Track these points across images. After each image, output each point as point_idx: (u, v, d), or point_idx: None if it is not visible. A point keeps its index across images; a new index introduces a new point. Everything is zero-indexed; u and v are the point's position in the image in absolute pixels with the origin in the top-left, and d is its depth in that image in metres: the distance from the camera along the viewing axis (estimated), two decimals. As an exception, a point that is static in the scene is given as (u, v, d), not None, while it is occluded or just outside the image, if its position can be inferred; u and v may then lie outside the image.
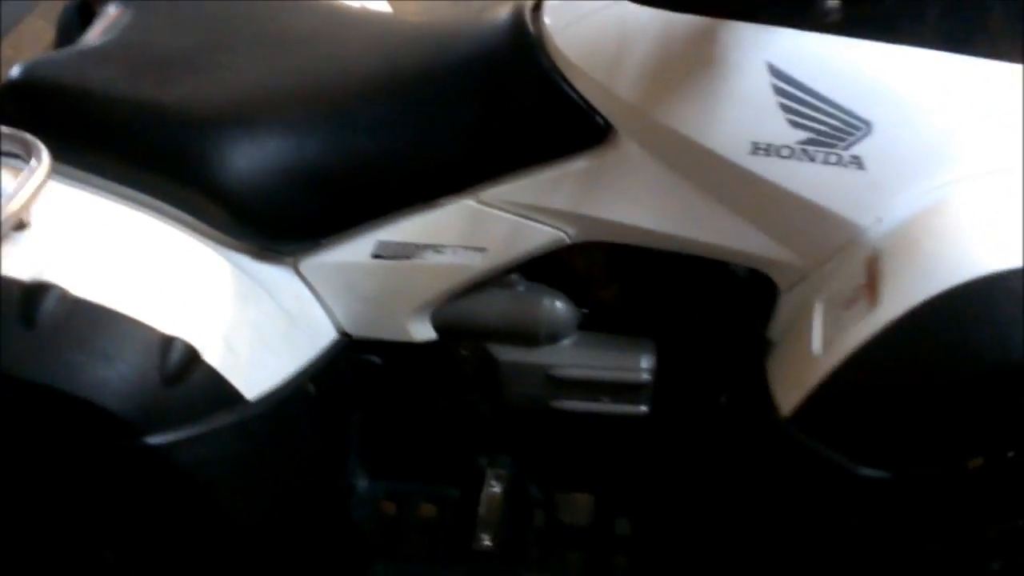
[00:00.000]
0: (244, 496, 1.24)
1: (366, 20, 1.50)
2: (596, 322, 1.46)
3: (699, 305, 1.42)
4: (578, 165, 1.29)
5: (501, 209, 1.33)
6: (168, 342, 1.14)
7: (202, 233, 1.30)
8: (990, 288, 1.01)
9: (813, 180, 1.19)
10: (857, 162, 1.17)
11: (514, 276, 1.42)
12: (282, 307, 1.33)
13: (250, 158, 1.27)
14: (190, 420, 1.15)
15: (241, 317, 1.25)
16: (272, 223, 1.32)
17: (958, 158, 1.17)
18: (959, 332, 1.03)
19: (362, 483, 1.58)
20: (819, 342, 1.16)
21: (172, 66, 1.34)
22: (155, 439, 1.12)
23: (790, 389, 1.18)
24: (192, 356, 1.15)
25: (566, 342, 1.45)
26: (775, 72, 1.16)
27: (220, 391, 1.18)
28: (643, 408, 1.44)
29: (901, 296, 1.07)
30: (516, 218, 1.33)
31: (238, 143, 1.27)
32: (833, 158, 1.17)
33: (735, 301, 1.39)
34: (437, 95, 1.32)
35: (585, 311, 1.45)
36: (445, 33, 1.39)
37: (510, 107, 1.30)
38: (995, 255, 1.03)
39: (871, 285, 1.12)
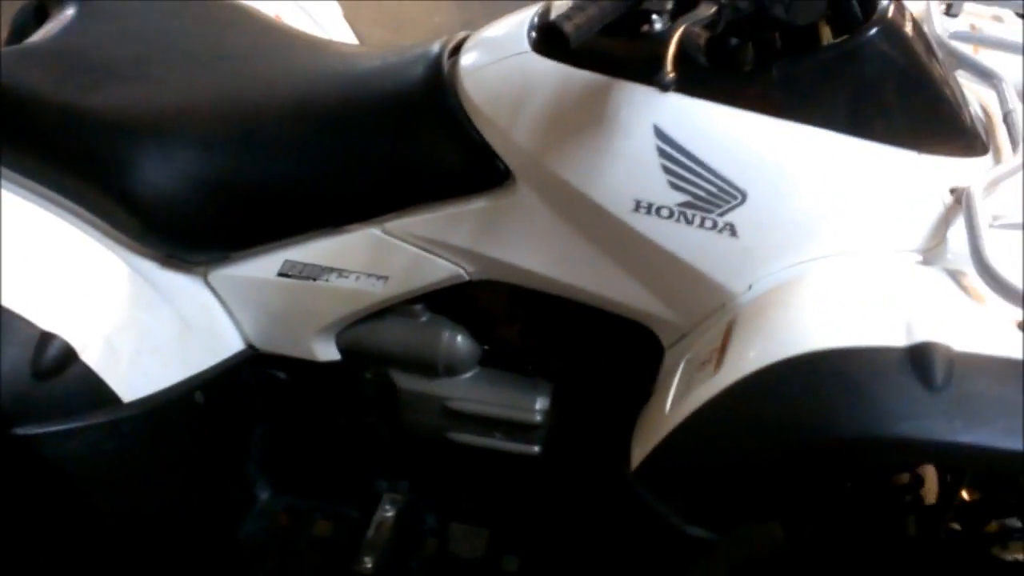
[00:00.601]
0: (112, 494, 1.29)
1: (300, 43, 1.56)
2: (497, 359, 1.50)
3: (594, 353, 1.46)
4: (478, 205, 1.34)
5: (404, 240, 1.38)
6: (46, 338, 1.19)
7: (111, 238, 1.36)
8: (815, 365, 1.03)
9: (689, 242, 1.23)
10: (731, 229, 1.21)
11: (418, 307, 1.46)
12: (181, 315, 1.38)
13: (163, 169, 1.33)
14: (61, 415, 1.20)
15: (130, 321, 1.30)
16: (181, 233, 1.37)
17: (827, 235, 1.20)
18: (779, 405, 1.05)
19: (263, 495, 1.62)
20: (671, 401, 1.19)
21: (101, 73, 1.40)
22: (23, 430, 1.18)
23: (642, 444, 1.21)
24: (69, 353, 1.21)
25: (465, 376, 1.49)
26: (660, 134, 1.20)
27: (95, 390, 1.23)
28: (535, 448, 1.48)
29: (738, 364, 1.10)
30: (418, 251, 1.38)
31: (152, 153, 1.33)
32: (709, 223, 1.21)
33: (626, 353, 1.42)
34: (350, 124, 1.37)
35: (486, 347, 1.49)
36: (369, 63, 1.44)
37: (418, 142, 1.35)
38: (828, 333, 1.06)
39: (721, 349, 1.15)
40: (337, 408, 1.54)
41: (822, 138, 1.19)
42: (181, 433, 1.36)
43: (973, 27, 1.56)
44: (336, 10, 1.89)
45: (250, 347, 1.48)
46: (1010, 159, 1.23)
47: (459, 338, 1.47)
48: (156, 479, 1.35)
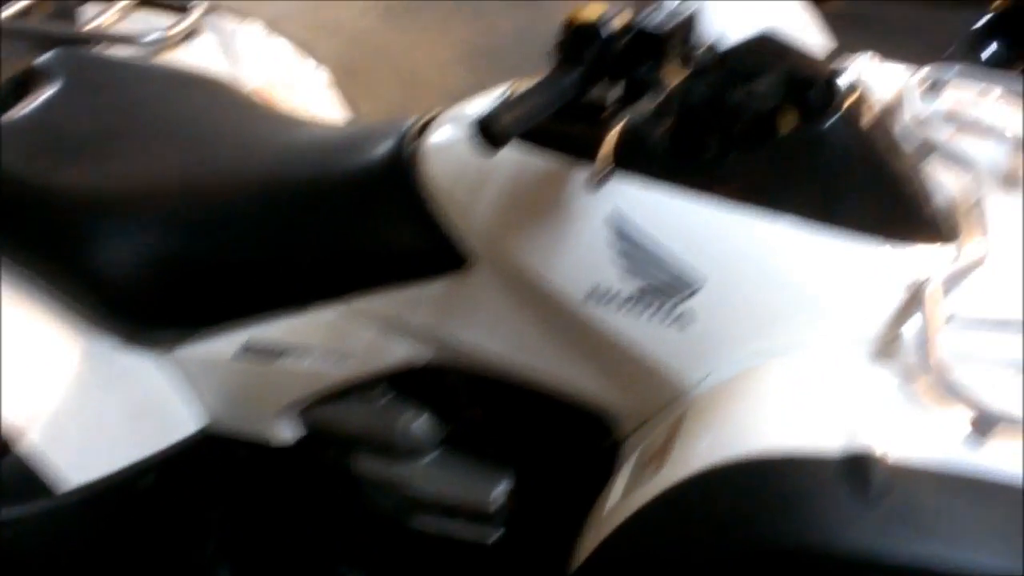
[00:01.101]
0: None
1: (273, 120, 1.56)
2: (459, 443, 1.47)
3: (554, 441, 1.42)
4: (437, 287, 1.32)
5: (367, 320, 1.36)
6: None
7: (72, 318, 1.35)
8: (753, 471, 0.99)
9: (643, 332, 1.20)
10: (685, 319, 1.18)
11: (380, 388, 1.44)
12: (136, 397, 1.37)
13: (124, 248, 1.33)
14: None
15: (80, 406, 1.29)
16: (141, 311, 1.37)
17: (783, 326, 1.17)
18: (716, 511, 1.01)
19: None
20: (618, 497, 1.15)
21: (72, 150, 1.41)
22: None
23: (586, 541, 1.17)
24: (9, 438, 1.19)
25: (426, 460, 1.46)
26: (615, 220, 1.18)
27: (35, 477, 1.21)
28: (493, 537, 1.44)
29: (679, 464, 1.06)
30: (379, 331, 1.36)
31: (113, 233, 1.33)
32: (663, 313, 1.18)
33: (585, 442, 1.38)
34: (313, 202, 1.36)
35: (448, 430, 1.46)
36: (335, 141, 1.44)
37: (379, 222, 1.34)
38: (769, 437, 1.02)
39: (666, 447, 1.11)
40: (296, 491, 1.52)
41: (781, 226, 1.17)
42: (129, 518, 1.34)
43: (955, 107, 1.53)
44: (323, 79, 1.89)
45: (209, 427, 1.46)
46: (975, 250, 1.19)
47: (420, 421, 1.44)
48: (103, 568, 1.32)
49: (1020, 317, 1.14)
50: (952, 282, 1.16)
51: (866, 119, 1.20)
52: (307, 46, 4.15)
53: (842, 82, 1.23)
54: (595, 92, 1.08)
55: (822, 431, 0.99)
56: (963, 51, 2.47)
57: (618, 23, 1.02)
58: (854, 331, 1.15)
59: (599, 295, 1.20)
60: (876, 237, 1.18)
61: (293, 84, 1.81)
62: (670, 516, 1.04)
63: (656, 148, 1.19)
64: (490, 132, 0.95)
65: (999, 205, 1.32)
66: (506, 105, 0.97)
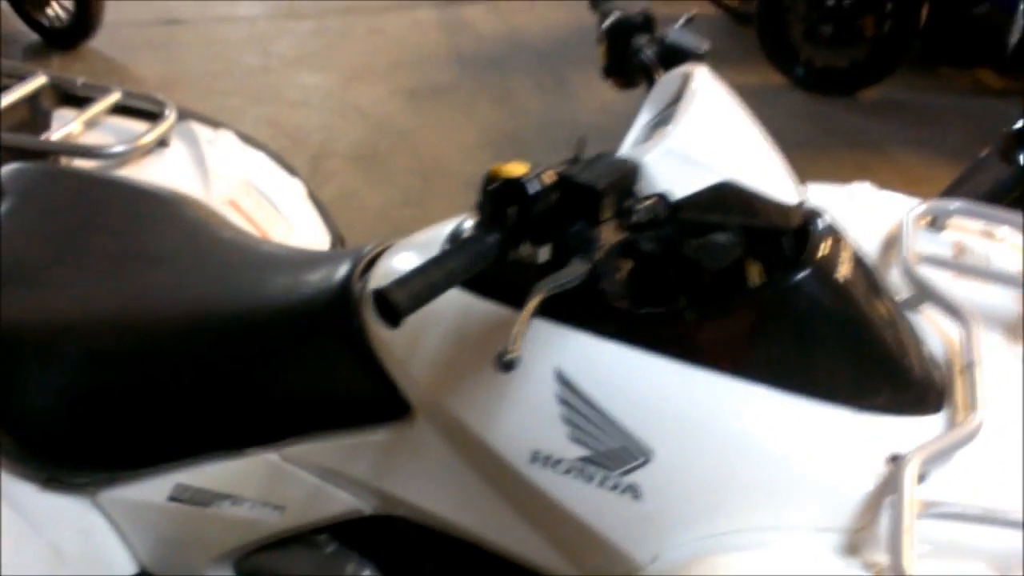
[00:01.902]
0: None
1: (224, 245, 1.47)
2: None
3: None
4: (377, 437, 1.22)
5: (302, 469, 1.26)
6: None
7: None
8: None
9: (589, 502, 1.08)
10: (633, 491, 1.06)
11: (322, 537, 1.34)
12: (56, 544, 1.28)
13: (43, 386, 1.25)
14: None
15: None
16: (62, 453, 1.28)
17: (743, 507, 1.05)
18: None
19: None
20: None
21: (6, 277, 1.34)
22: None
23: None
24: None
25: None
26: (562, 380, 1.08)
27: None
28: None
29: None
30: (317, 480, 1.26)
31: (32, 369, 1.25)
32: (610, 483, 1.07)
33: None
34: (249, 342, 1.27)
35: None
36: (280, 269, 1.36)
37: (319, 366, 1.25)
38: None
39: None
40: None
41: (741, 392, 1.05)
42: None
43: (958, 245, 1.41)
44: (299, 191, 1.82)
45: (144, 571, 1.36)
46: (964, 423, 1.07)
47: (364, 573, 1.33)
48: None
49: (1014, 505, 1.01)
50: (935, 461, 1.04)
51: (842, 270, 1.09)
52: (332, 128, 4.15)
53: (820, 228, 1.13)
54: (519, 253, 0.97)
55: None
56: (1000, 152, 2.36)
57: (546, 179, 0.92)
58: (821, 518, 1.03)
59: (543, 460, 1.09)
60: (850, 406, 1.06)
61: (266, 196, 1.74)
62: None
63: (604, 303, 1.09)
64: (387, 307, 0.86)
65: (997, 365, 1.20)
66: (411, 275, 0.88)
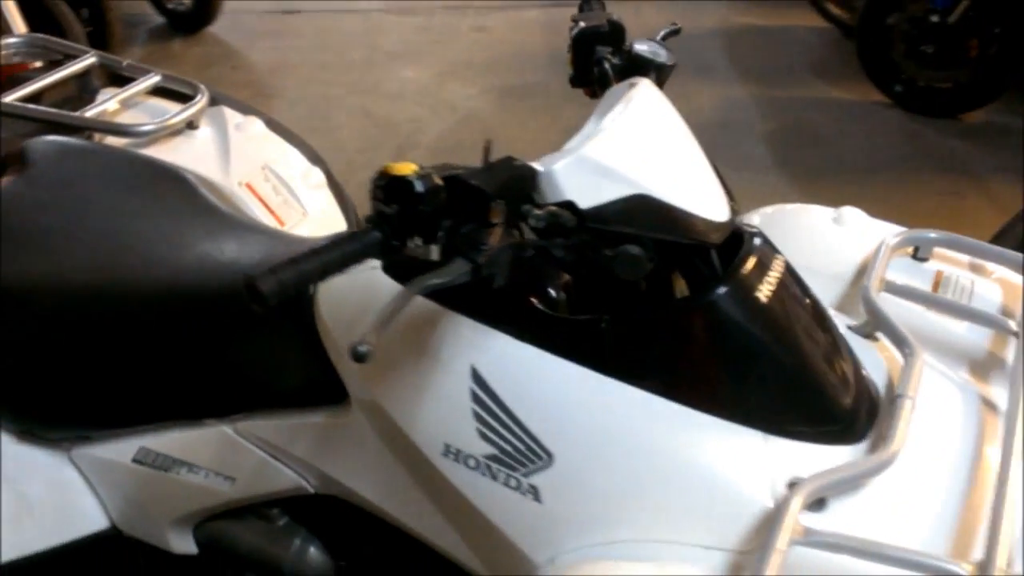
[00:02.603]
0: None
1: (215, 223, 1.53)
2: None
3: None
4: (318, 419, 1.27)
5: (253, 443, 1.32)
6: None
7: None
8: None
9: (493, 499, 1.10)
10: (534, 493, 1.08)
11: (275, 511, 1.39)
12: (24, 493, 1.36)
13: (20, 343, 1.33)
14: None
15: None
16: (37, 408, 1.37)
17: (637, 517, 1.05)
18: None
19: None
20: None
21: (5, 239, 1.43)
22: None
23: None
24: None
25: None
26: (476, 377, 1.10)
27: None
28: None
29: None
30: (265, 455, 1.31)
31: (12, 327, 1.33)
32: (513, 482, 1.09)
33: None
34: (212, 318, 1.33)
35: (342, 563, 1.40)
36: (252, 252, 1.41)
37: (271, 346, 1.30)
38: None
39: None
40: None
41: (647, 405, 1.06)
42: None
43: (939, 276, 1.37)
44: (318, 178, 1.88)
45: (114, 527, 1.44)
46: (872, 455, 1.05)
47: (311, 550, 1.38)
48: None
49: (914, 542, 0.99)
50: (836, 490, 1.02)
51: (765, 291, 1.08)
52: (421, 121, 4.23)
53: (751, 247, 1.12)
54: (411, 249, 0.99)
55: None
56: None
57: (436, 179, 0.94)
58: (712, 536, 1.02)
59: (454, 453, 1.12)
60: (760, 429, 1.05)
61: (284, 181, 1.80)
62: None
63: (527, 306, 1.10)
64: (255, 292, 0.89)
65: (940, 401, 1.17)
66: (284, 264, 0.91)
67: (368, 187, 0.95)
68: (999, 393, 1.20)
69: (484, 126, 4.25)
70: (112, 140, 1.79)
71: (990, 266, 1.39)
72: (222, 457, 1.34)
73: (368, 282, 1.20)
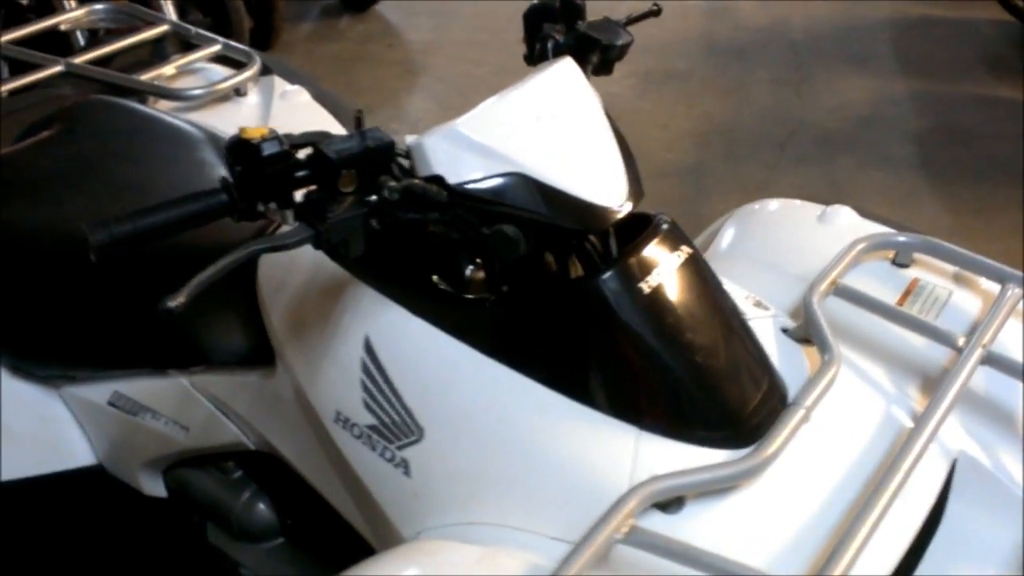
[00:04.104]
0: None
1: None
2: (300, 536, 1.44)
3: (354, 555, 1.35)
4: (253, 379, 1.31)
5: (204, 396, 1.38)
6: None
7: None
8: None
9: (371, 469, 1.12)
10: (405, 467, 1.09)
11: (231, 463, 1.45)
12: (10, 425, 1.46)
13: (14, 285, 1.44)
14: None
15: None
16: (26, 346, 1.48)
17: (495, 501, 1.03)
18: None
19: None
20: None
21: (27, 185, 1.54)
22: None
23: None
24: None
25: (265, 546, 1.45)
26: (368, 347, 1.11)
27: None
28: None
29: None
30: (213, 409, 1.37)
31: (10, 268, 1.44)
32: (388, 454, 1.10)
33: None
34: (179, 272, 1.40)
35: (289, 522, 1.44)
36: None
37: (222, 303, 1.35)
38: None
39: None
40: (158, 544, 1.56)
41: (520, 388, 1.04)
42: None
43: (914, 284, 1.28)
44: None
45: (101, 466, 1.54)
46: (738, 462, 0.99)
47: (258, 505, 1.43)
48: None
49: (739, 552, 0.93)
50: (679, 493, 0.97)
51: (652, 283, 1.04)
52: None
53: (652, 235, 1.07)
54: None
55: None
56: None
57: (285, 145, 0.96)
58: (560, 527, 1.00)
59: (343, 420, 1.14)
60: (633, 424, 1.02)
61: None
62: None
63: (425, 282, 1.10)
64: (89, 243, 0.93)
65: (848, 415, 1.09)
66: (120, 219, 0.95)
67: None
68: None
69: (615, 111, 4.19)
70: (165, 104, 1.89)
71: (982, 280, 1.28)
72: (179, 407, 1.40)
73: (299, 251, 1.23)
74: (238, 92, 1.94)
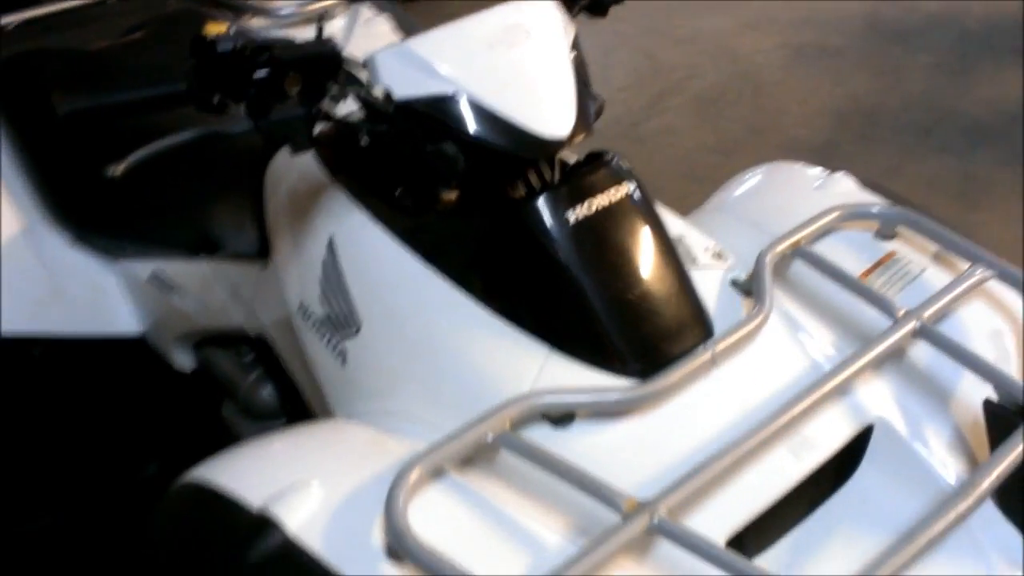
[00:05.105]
0: None
1: None
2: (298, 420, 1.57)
3: None
4: (258, 268, 1.43)
5: (220, 281, 1.52)
6: None
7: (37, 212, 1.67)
8: (194, 494, 1.01)
9: (320, 358, 1.22)
10: (343, 357, 1.18)
11: (245, 347, 1.58)
12: (60, 284, 1.64)
13: (76, 159, 1.61)
14: None
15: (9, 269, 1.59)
16: (84, 222, 1.65)
17: (412, 396, 1.12)
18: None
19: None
20: None
21: (99, 74, 1.71)
22: None
23: None
24: None
25: (267, 424, 1.58)
26: (331, 246, 1.21)
27: None
28: None
29: None
30: (226, 294, 1.51)
31: (72, 144, 1.61)
32: (331, 345, 1.20)
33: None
34: (208, 166, 1.54)
35: (288, 407, 1.56)
36: None
37: (237, 200, 1.47)
38: (230, 473, 1.01)
39: None
40: (182, 417, 1.71)
41: (449, 297, 1.12)
42: (12, 375, 1.62)
43: (889, 256, 1.27)
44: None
45: (146, 337, 1.71)
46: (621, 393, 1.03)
47: (263, 387, 1.56)
48: None
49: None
50: (559, 410, 1.02)
51: (580, 213, 1.08)
52: (696, 68, 4.19)
53: (594, 169, 1.12)
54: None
55: (265, 487, 0.96)
56: None
57: (240, 43, 1.05)
58: (456, 424, 1.06)
59: (304, 311, 1.24)
60: (544, 342, 1.08)
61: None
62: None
63: (390, 191, 1.19)
64: (55, 102, 1.06)
65: (759, 368, 1.11)
66: (89, 95, 1.07)
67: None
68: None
69: (757, 81, 4.13)
70: (256, 21, 2.03)
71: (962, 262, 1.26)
72: (202, 289, 1.55)
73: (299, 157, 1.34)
74: (325, 15, 2.06)
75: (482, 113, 1.08)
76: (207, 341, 1.63)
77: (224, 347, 1.62)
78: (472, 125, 1.08)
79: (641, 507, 0.91)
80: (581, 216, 1.09)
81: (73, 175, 1.64)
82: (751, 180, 1.47)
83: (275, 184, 1.36)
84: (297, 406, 1.55)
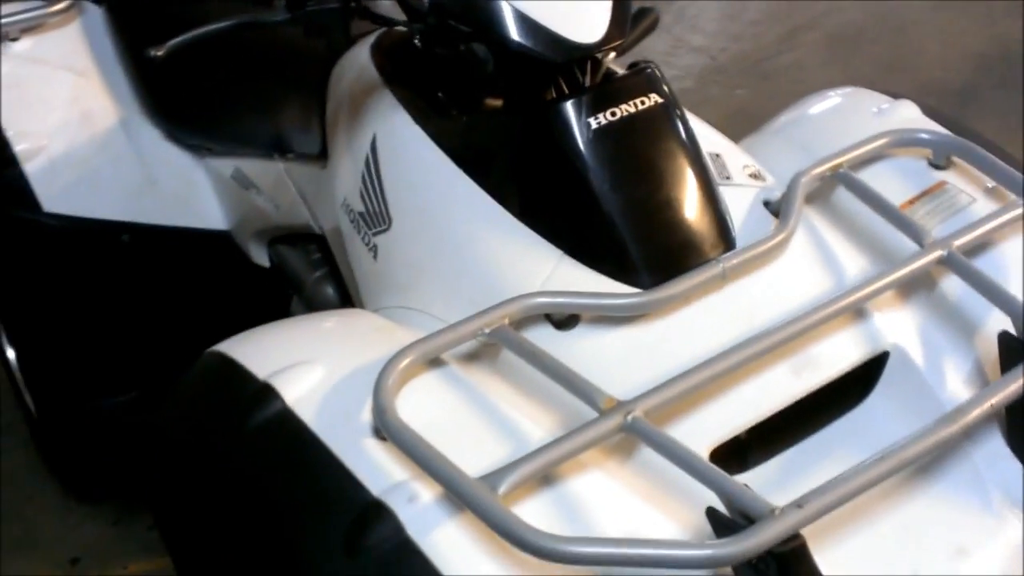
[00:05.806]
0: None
1: None
2: None
3: None
4: (317, 169, 1.49)
5: (291, 180, 1.58)
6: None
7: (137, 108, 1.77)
8: (214, 362, 1.08)
9: (355, 251, 1.28)
10: (375, 252, 1.23)
11: (313, 246, 1.66)
12: (152, 175, 1.73)
13: (169, 60, 1.70)
14: None
15: (84, 156, 1.69)
16: (176, 118, 1.74)
17: (432, 294, 1.16)
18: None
19: None
20: None
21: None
22: None
23: None
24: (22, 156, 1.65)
25: None
26: (373, 145, 1.26)
27: (20, 191, 1.65)
28: None
29: None
30: (296, 193, 1.58)
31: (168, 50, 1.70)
32: (366, 239, 1.25)
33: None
34: (281, 68, 1.61)
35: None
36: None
37: (304, 102, 1.52)
38: (250, 347, 1.08)
39: None
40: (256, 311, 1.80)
41: (473, 197, 1.15)
42: (102, 258, 1.73)
43: (939, 186, 1.23)
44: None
45: (229, 232, 1.80)
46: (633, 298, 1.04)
47: (326, 284, 1.63)
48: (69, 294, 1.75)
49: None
50: (561, 310, 1.04)
51: (605, 119, 1.09)
52: (839, 7, 4.03)
53: (625, 78, 1.12)
54: None
55: (273, 362, 1.02)
56: None
57: None
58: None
59: (345, 206, 1.30)
60: (558, 247, 1.10)
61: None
62: None
63: (430, 92, 1.22)
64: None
65: (775, 285, 1.10)
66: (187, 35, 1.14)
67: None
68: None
69: (900, 20, 3.94)
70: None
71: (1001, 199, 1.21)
72: (275, 187, 1.62)
73: (357, 53, 1.38)
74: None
75: (513, 14, 1.09)
76: (280, 239, 1.71)
77: (294, 245, 1.69)
78: (502, 26, 1.09)
79: (619, 406, 0.92)
80: (604, 122, 1.09)
81: (163, 71, 1.73)
82: (814, 104, 1.43)
83: (336, 87, 1.41)
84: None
